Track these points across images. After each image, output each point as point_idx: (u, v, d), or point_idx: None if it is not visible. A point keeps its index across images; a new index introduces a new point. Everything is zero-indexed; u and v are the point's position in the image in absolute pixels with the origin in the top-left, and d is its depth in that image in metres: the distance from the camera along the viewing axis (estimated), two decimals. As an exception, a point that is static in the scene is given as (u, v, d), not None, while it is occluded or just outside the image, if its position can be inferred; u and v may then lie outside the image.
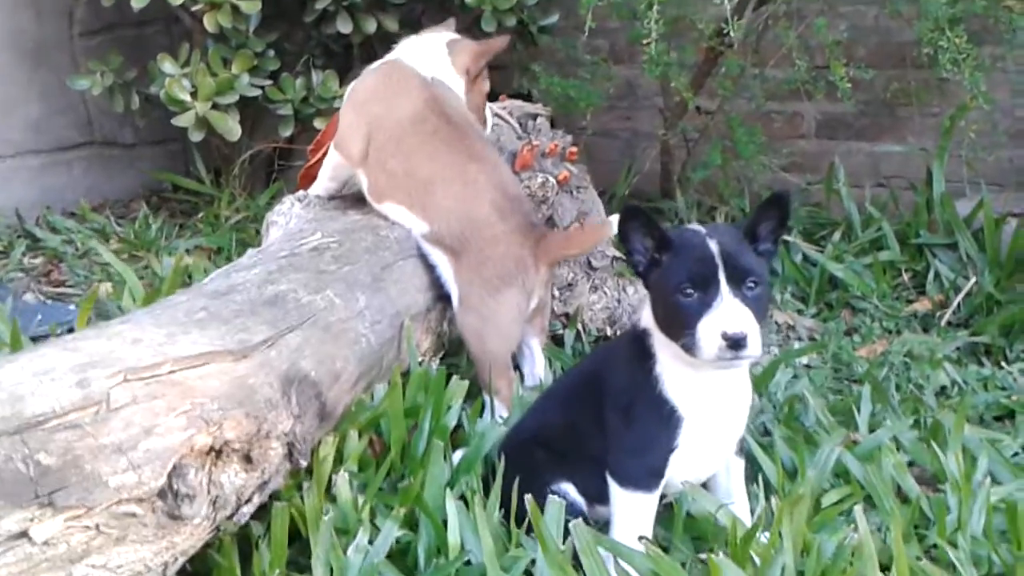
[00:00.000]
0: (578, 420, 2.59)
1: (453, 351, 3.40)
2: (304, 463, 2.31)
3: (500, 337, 3.16)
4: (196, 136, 4.66)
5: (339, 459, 2.57)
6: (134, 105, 5.02)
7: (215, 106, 4.62)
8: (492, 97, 4.18)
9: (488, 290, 3.14)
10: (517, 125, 4.03)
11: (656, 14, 3.90)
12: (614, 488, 2.46)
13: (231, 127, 4.65)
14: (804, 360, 3.77)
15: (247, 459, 2.14)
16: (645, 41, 4.00)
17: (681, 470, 2.48)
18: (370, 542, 2.33)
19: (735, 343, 2.22)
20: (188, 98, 4.59)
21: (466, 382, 3.00)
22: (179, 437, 2.00)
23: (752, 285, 2.29)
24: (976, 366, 3.79)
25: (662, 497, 2.54)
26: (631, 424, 2.45)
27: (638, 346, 2.48)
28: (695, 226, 2.44)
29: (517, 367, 3.36)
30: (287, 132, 4.89)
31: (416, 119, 3.28)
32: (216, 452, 2.06)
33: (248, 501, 2.16)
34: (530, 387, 3.30)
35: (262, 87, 4.75)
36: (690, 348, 2.28)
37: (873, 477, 2.71)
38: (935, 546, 2.53)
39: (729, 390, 2.47)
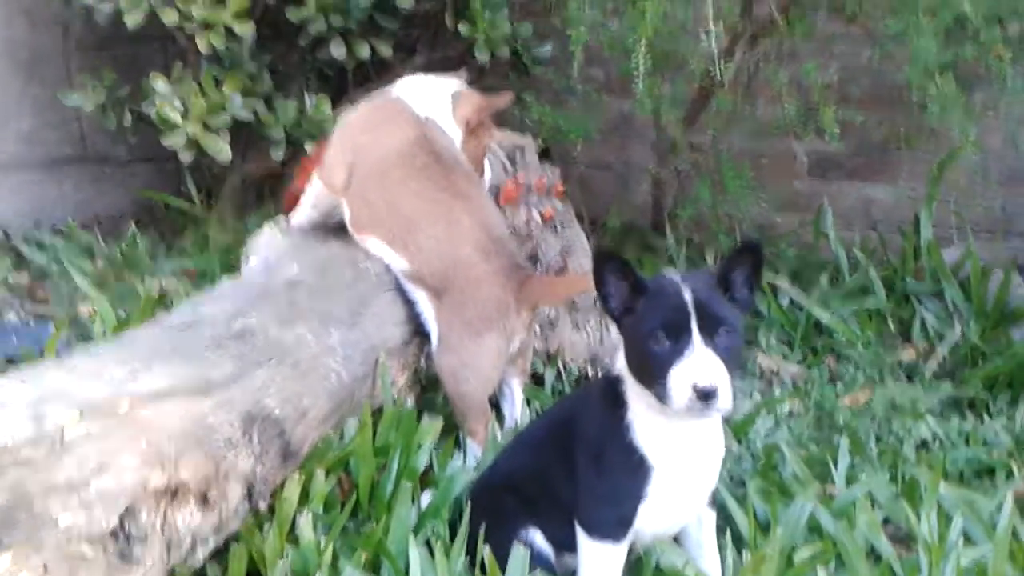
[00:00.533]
0: (548, 466, 2.56)
1: (431, 386, 3.34)
2: (263, 505, 2.28)
3: (478, 380, 3.12)
4: (186, 157, 4.62)
5: (305, 498, 2.53)
6: (126, 122, 4.98)
7: (206, 127, 4.58)
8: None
9: (468, 333, 3.10)
10: (505, 157, 4.02)
11: (644, 50, 3.89)
12: (581, 537, 2.43)
13: (221, 149, 4.61)
14: (787, 407, 3.74)
15: (204, 500, 2.11)
16: (636, 75, 3.99)
17: (651, 521, 2.45)
18: (330, 585, 2.31)
19: (705, 395, 2.21)
20: (179, 119, 4.56)
21: (440, 419, 2.97)
22: (133, 477, 1.97)
23: (724, 335, 2.27)
24: (959, 418, 3.76)
25: (632, 550, 2.53)
26: (600, 473, 2.43)
27: (611, 393, 2.46)
28: (671, 273, 2.42)
29: (497, 406, 3.32)
30: (279, 155, 4.85)
31: (403, 154, 3.24)
32: (172, 493, 2.03)
33: (203, 543, 2.13)
34: (509, 428, 3.26)
35: (254, 109, 4.72)
36: (661, 397, 2.26)
37: (844, 535, 2.68)
38: (904, 609, 2.51)
39: (701, 441, 2.44)
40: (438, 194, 3.21)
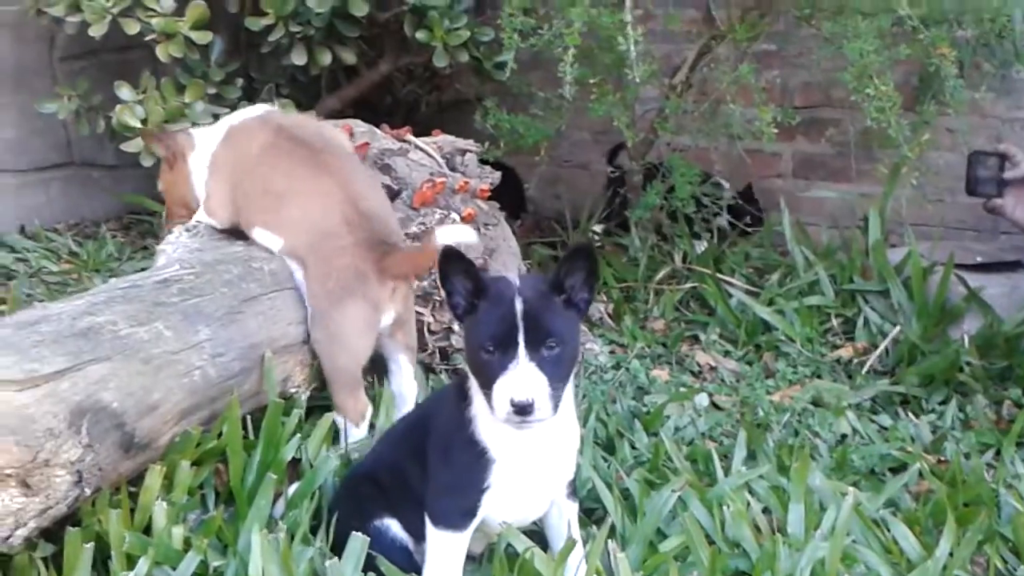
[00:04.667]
0: (405, 459, 2.65)
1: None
2: (89, 491, 2.37)
3: (347, 351, 3.19)
4: (147, 161, 4.76)
5: (170, 488, 2.64)
6: (99, 129, 5.14)
7: (164, 133, 4.70)
8: (426, 132, 4.27)
9: (331, 301, 3.18)
10: (442, 161, 4.09)
11: (571, 57, 3.94)
12: (428, 526, 2.50)
13: (180, 154, 4.73)
14: (705, 401, 3.80)
15: (25, 485, 2.21)
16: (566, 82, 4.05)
17: (498, 511, 2.52)
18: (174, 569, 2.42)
19: (521, 409, 2.27)
20: (139, 124, 4.70)
21: (331, 416, 3.06)
22: (-61, 462, 2.07)
23: (552, 346, 2.31)
24: (889, 416, 3.79)
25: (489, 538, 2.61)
26: (446, 464, 2.51)
27: (459, 388, 2.54)
28: (512, 277, 2.46)
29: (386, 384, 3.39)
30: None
31: (266, 146, 3.39)
32: (-16, 477, 2.14)
33: (24, 525, 2.23)
34: (399, 405, 3.34)
35: (217, 115, 4.83)
36: (489, 404, 2.34)
37: (691, 523, 2.72)
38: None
39: (546, 435, 2.48)
40: (307, 170, 3.33)
